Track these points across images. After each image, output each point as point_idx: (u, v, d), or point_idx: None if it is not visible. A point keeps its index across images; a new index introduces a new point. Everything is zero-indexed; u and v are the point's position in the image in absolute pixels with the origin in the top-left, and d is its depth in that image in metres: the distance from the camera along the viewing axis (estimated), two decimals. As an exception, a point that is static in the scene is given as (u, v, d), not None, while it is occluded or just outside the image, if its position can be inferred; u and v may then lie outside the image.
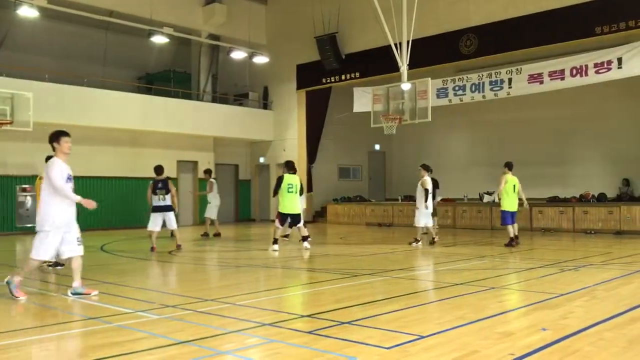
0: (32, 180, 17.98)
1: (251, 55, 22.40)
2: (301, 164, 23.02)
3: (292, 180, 12.15)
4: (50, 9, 17.88)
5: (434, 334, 4.95)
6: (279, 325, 5.34)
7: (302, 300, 7.00)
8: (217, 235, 16.25)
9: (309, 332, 5.08)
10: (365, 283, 8.17)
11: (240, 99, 24.46)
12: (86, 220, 19.41)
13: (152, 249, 12.38)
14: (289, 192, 12.02)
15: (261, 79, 24.42)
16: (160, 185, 12.48)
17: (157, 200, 12.48)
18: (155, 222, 12.51)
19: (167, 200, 12.47)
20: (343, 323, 5.44)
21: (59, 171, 6.69)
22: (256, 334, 5.08)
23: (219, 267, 10.63)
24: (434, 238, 13.44)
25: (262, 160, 24.75)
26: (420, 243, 13.17)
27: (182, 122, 21.07)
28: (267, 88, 24.41)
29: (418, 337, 4.83)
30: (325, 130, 22.72)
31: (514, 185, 13.10)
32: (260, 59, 22.62)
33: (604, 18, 15.45)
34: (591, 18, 15.63)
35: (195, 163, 22.66)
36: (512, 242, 12.72)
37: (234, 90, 24.98)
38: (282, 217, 12.18)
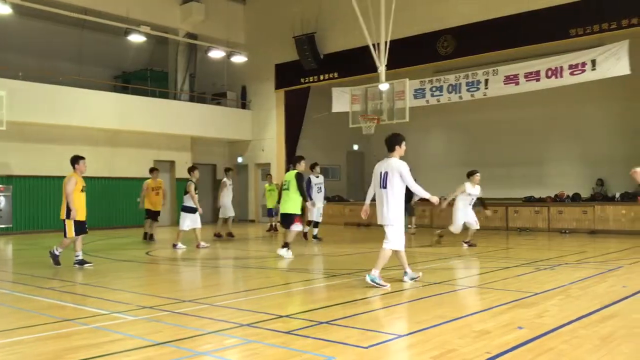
0: (5, 180, 17.76)
1: (229, 55, 22.31)
2: (280, 163, 23.01)
3: (287, 177, 11.52)
4: (24, 6, 17.62)
5: (412, 332, 4.98)
6: (257, 326, 5.33)
7: (280, 300, 6.99)
8: (218, 236, 16.37)
9: (287, 332, 5.07)
10: (344, 283, 8.19)
11: (218, 98, 24.35)
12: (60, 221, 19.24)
13: (198, 245, 12.95)
14: (283, 189, 11.43)
15: (239, 79, 24.34)
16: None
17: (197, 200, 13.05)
18: (195, 221, 13.01)
19: (185, 202, 13.13)
20: (321, 323, 5.45)
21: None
22: (234, 335, 5.06)
23: (197, 267, 10.57)
24: None
25: (240, 160, 24.66)
26: None
27: (160, 122, 20.91)
28: (246, 87, 24.33)
29: (396, 336, 4.86)
30: (303, 130, 22.73)
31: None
32: (239, 59, 22.55)
33: (578, 21, 15.70)
34: (566, 20, 15.87)
35: (172, 163, 22.49)
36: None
37: (212, 89, 24.85)
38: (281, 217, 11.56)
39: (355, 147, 25.81)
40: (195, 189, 12.96)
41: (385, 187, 7.46)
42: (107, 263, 10.97)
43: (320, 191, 14.49)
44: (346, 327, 5.25)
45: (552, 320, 5.41)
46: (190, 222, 12.97)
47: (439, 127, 23.54)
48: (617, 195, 17.06)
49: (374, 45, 15.06)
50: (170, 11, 22.14)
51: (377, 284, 7.28)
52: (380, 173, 7.58)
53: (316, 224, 14.63)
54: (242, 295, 7.28)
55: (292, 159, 12.19)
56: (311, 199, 13.11)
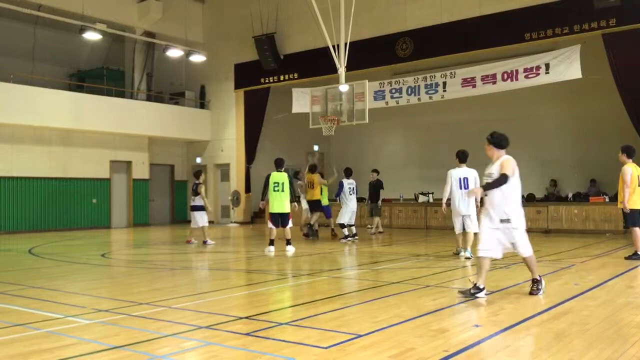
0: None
1: (188, 54, 22.07)
2: (239, 164, 22.86)
3: (278, 179, 11.89)
4: (-26, 1, 17.06)
5: (371, 332, 5.00)
6: (216, 328, 5.28)
7: (239, 302, 6.94)
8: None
9: (247, 334, 5.03)
10: (304, 283, 8.18)
11: (176, 97, 24.05)
12: (14, 222, 18.70)
13: (205, 242, 13.83)
14: (274, 190, 11.82)
15: (198, 78, 24.10)
16: (193, 187, 14.14)
17: (191, 201, 14.30)
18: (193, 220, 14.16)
19: (195, 202, 13.98)
20: (281, 324, 5.43)
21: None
22: (193, 337, 5.00)
23: (154, 269, 10.40)
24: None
25: (198, 160, 24.39)
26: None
27: (116, 121, 20.51)
28: (205, 87, 24.10)
29: (355, 335, 4.88)
30: (263, 130, 22.64)
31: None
32: (197, 58, 22.32)
33: (532, 25, 16.11)
34: (521, 25, 16.26)
35: (129, 163, 22.10)
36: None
37: (170, 89, 24.52)
38: (273, 217, 11.93)
39: (316, 147, 25.83)
40: (193, 190, 14.11)
41: (467, 188, 9.97)
42: (61, 266, 10.70)
43: (353, 193, 15.03)
44: (306, 327, 5.24)
45: (507, 318, 5.52)
46: (206, 218, 14.08)
47: (398, 129, 23.77)
48: (570, 195, 17.52)
49: (333, 46, 15.09)
50: (127, 9, 21.75)
51: (469, 257, 9.91)
52: (460, 178, 10.25)
53: (344, 225, 14.57)
54: (201, 297, 7.19)
55: (276, 161, 12.32)
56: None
